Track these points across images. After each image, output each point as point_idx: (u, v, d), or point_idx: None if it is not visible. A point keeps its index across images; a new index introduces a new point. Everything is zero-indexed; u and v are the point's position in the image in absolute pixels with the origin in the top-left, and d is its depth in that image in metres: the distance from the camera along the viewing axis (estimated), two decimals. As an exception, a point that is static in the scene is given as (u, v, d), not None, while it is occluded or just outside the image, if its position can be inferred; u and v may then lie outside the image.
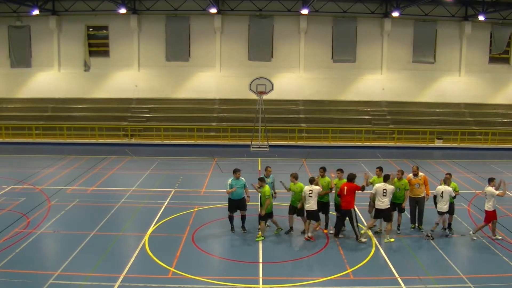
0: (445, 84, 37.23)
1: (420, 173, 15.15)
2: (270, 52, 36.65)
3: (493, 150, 32.68)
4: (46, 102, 36.45)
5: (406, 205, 14.83)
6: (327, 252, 13.31)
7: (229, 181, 14.47)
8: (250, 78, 31.57)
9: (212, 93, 36.92)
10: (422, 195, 14.96)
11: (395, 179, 14.64)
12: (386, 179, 14.13)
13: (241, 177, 14.57)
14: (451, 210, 14.74)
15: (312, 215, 14.07)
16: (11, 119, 34.67)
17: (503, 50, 36.81)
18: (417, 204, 15.06)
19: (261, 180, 14.27)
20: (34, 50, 36.68)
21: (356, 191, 14.04)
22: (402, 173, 14.88)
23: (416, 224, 15.23)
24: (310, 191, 13.89)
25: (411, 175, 15.15)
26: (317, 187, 14.00)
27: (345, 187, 13.88)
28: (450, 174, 14.94)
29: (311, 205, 13.93)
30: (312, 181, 14.05)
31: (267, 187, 14.03)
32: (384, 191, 13.92)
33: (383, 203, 13.93)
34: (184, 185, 20.94)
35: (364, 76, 37.06)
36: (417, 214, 15.18)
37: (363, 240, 13.91)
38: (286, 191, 14.84)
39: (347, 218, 14.13)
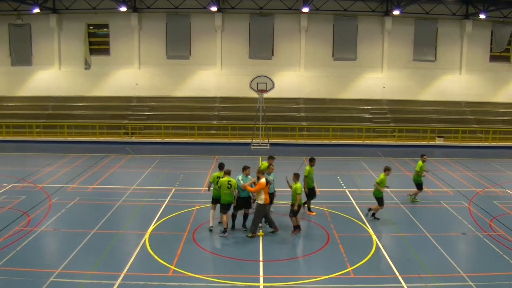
0: (446, 82, 37.22)
1: (262, 178, 14.07)
2: (271, 50, 36.64)
3: (493, 149, 32.65)
4: (47, 100, 36.47)
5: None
6: (328, 250, 13.31)
7: (239, 177, 14.46)
8: (250, 76, 31.55)
9: (212, 91, 36.92)
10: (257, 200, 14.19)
11: None
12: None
13: (249, 175, 14.64)
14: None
15: None
16: (12, 117, 34.69)
17: (504, 48, 36.75)
18: None
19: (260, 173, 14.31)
20: (35, 48, 36.70)
21: None
22: None
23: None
24: None
25: None
26: None
27: None
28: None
29: None
30: None
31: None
32: None
33: None
34: (185, 184, 20.95)
35: (364, 74, 37.04)
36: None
37: None
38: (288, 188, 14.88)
39: None
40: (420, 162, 18.15)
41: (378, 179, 15.81)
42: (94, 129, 33.25)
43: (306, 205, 16.69)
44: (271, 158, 16.18)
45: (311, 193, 16.71)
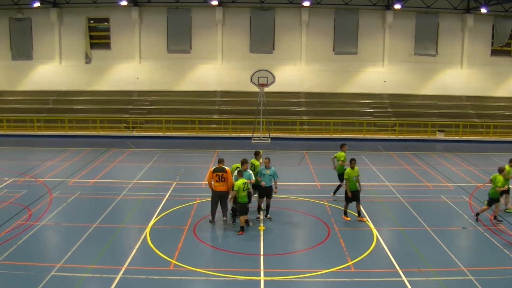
0: (447, 76, 37.14)
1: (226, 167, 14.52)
2: (272, 44, 36.56)
3: (494, 143, 32.62)
4: (48, 94, 36.46)
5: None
6: (328, 244, 13.34)
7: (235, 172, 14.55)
8: (251, 70, 31.48)
9: (213, 85, 36.87)
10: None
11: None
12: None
13: (248, 169, 14.74)
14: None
15: None
16: (13, 112, 34.68)
17: (505, 42, 36.59)
18: None
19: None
20: (35, 42, 36.61)
21: None
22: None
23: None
24: None
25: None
26: None
27: None
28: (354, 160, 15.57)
29: None
30: None
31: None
32: None
33: None
34: (186, 178, 20.97)
35: (365, 68, 36.98)
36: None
37: None
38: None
39: None
40: (507, 166, 16.85)
41: (499, 183, 15.11)
42: (95, 123, 33.26)
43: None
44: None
45: (352, 196, 15.23)
